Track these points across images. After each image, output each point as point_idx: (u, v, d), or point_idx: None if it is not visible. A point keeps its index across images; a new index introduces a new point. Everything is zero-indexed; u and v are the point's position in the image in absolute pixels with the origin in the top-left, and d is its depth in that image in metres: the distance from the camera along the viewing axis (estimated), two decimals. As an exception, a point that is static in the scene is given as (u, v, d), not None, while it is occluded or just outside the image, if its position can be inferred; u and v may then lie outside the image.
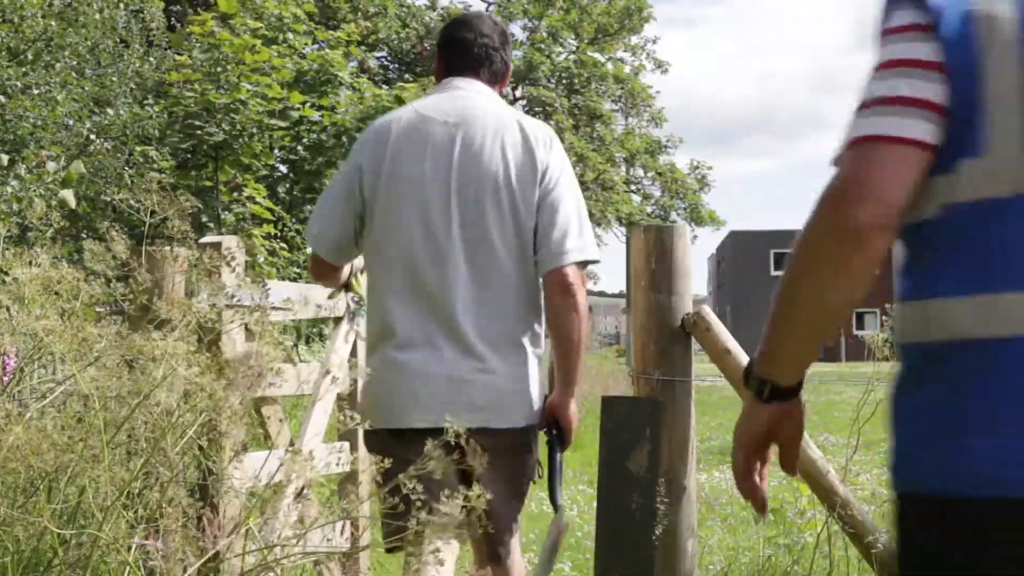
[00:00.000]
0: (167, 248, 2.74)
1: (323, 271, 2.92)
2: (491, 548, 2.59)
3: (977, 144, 1.41)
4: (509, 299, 2.64)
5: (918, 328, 1.50)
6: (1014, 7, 1.41)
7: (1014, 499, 1.31)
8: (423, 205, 2.66)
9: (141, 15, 14.02)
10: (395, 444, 2.50)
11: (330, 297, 3.49)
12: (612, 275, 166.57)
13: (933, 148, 1.42)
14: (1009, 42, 1.40)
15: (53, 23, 11.18)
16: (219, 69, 11.46)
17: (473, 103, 2.77)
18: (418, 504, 2.01)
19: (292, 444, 3.22)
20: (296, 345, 11.03)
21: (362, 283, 3.06)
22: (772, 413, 1.59)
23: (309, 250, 2.92)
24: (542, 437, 2.76)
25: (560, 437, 2.73)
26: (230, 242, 2.83)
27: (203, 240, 2.86)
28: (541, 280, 2.67)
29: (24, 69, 10.88)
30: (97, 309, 2.66)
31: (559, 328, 2.63)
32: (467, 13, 3.23)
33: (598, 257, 2.69)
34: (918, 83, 1.43)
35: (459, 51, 2.88)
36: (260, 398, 3.05)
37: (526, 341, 2.66)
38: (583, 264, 2.65)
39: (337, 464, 3.49)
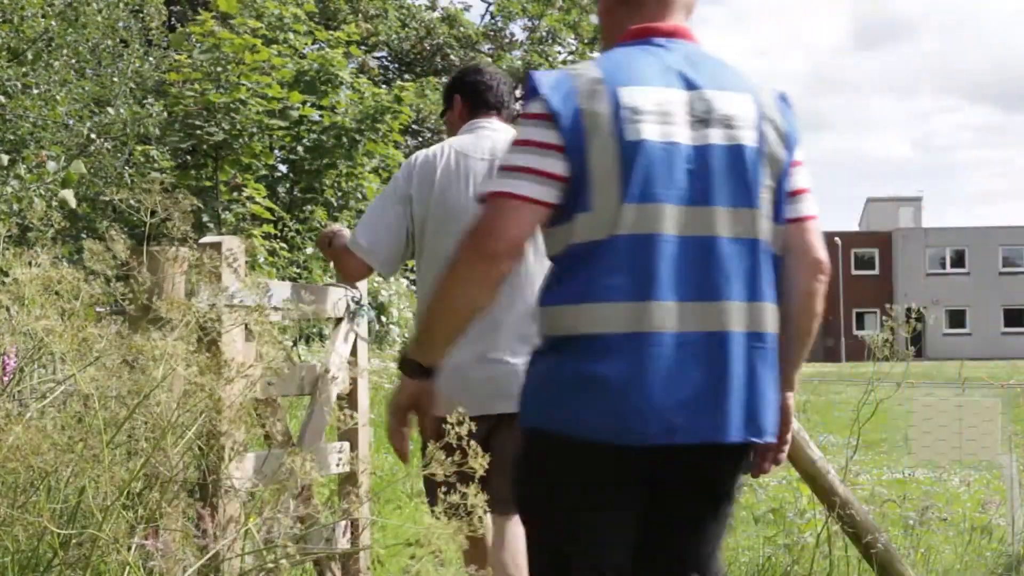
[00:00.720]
0: (168, 248, 2.74)
1: (359, 275, 3.49)
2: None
3: (587, 203, 2.05)
4: (529, 307, 2.93)
5: (556, 323, 2.12)
6: (608, 106, 2.05)
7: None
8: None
9: (141, 15, 14.02)
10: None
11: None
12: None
13: (548, 204, 2.06)
14: (606, 131, 2.04)
15: (54, 23, 11.18)
16: (219, 69, 11.45)
17: (500, 140, 3.25)
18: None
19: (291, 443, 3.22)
20: (296, 344, 11.03)
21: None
22: (417, 387, 2.21)
23: (357, 255, 3.33)
24: None
25: None
26: (231, 242, 2.83)
27: (203, 240, 2.86)
28: None
29: (24, 69, 10.88)
30: (97, 309, 2.66)
31: None
32: (479, 64, 3.90)
33: None
34: (540, 159, 2.05)
35: (481, 95, 3.46)
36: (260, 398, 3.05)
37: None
38: None
39: (337, 464, 3.49)
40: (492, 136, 3.33)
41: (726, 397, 2.06)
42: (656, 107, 2.08)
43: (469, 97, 3.48)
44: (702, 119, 2.11)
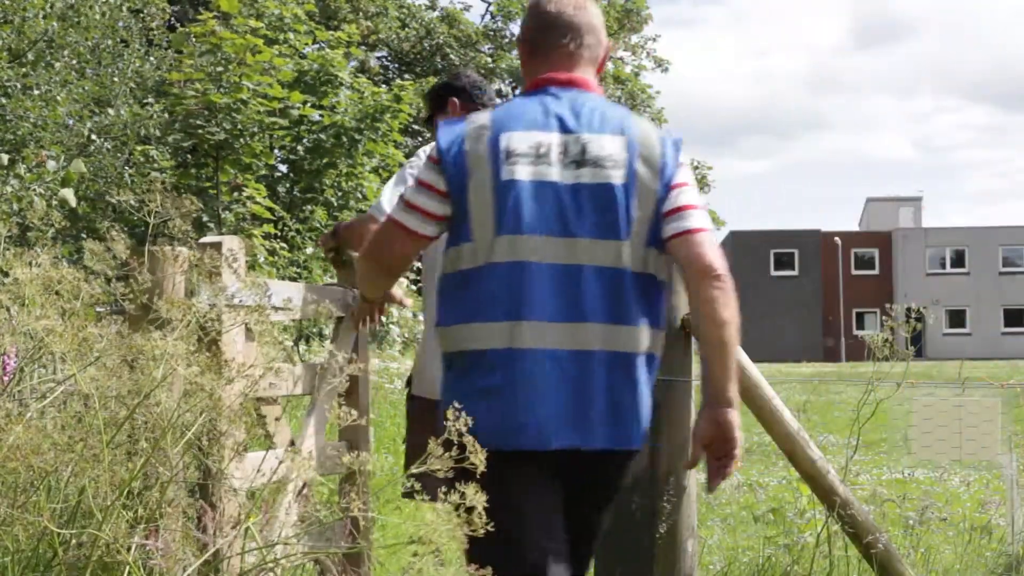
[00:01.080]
0: (168, 248, 2.74)
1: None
2: None
3: (469, 234, 2.39)
4: None
5: (447, 341, 2.46)
6: (487, 149, 2.37)
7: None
8: None
9: (143, 15, 14.01)
10: None
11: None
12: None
13: (428, 237, 2.48)
14: (484, 171, 2.37)
15: (55, 23, 11.18)
16: (220, 69, 11.45)
17: None
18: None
19: (292, 443, 3.21)
20: (296, 344, 11.03)
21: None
22: (364, 309, 3.33)
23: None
24: None
25: None
26: (231, 242, 2.83)
27: (203, 240, 2.86)
28: None
29: (25, 70, 10.88)
30: (97, 309, 2.66)
31: None
32: (467, 69, 4.41)
33: None
34: (427, 200, 2.44)
35: (479, 97, 3.73)
36: (260, 398, 3.05)
37: None
38: None
39: (337, 464, 3.48)
40: None
41: (590, 408, 2.35)
42: (531, 150, 2.38)
43: (468, 99, 3.70)
44: (575, 160, 2.39)
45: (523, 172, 2.37)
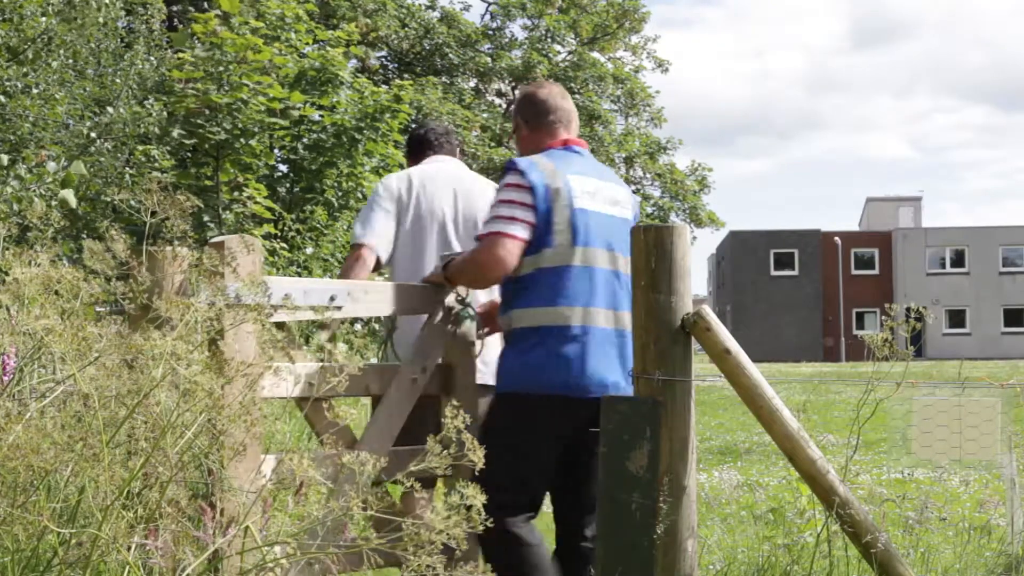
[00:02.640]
0: (168, 248, 2.74)
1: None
2: None
3: (551, 242, 3.42)
4: None
5: (526, 319, 3.45)
6: (564, 186, 3.45)
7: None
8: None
9: (145, 15, 13.99)
10: None
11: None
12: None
13: (527, 241, 3.40)
14: (563, 201, 3.44)
15: (54, 21, 11.16)
16: (221, 69, 11.44)
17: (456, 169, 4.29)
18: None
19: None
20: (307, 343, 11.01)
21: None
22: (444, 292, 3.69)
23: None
24: None
25: None
26: (244, 242, 2.84)
27: (214, 240, 2.87)
28: None
29: (24, 69, 10.87)
30: (97, 309, 2.66)
31: None
32: (430, 122, 4.85)
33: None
34: (522, 212, 3.41)
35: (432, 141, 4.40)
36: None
37: None
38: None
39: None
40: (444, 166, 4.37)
41: (623, 368, 3.43)
42: (585, 190, 3.50)
43: (428, 141, 4.45)
44: (608, 200, 3.57)
45: (587, 204, 3.48)
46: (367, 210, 4.12)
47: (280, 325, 3.08)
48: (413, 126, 4.73)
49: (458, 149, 4.49)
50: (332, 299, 3.25)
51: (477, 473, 2.48)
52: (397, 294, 3.51)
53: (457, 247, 4.01)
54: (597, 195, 3.50)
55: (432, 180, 4.14)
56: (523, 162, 3.47)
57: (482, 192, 4.15)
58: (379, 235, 4.02)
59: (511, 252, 3.36)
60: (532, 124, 3.68)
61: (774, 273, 54.66)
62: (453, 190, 4.12)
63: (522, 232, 3.37)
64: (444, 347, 3.58)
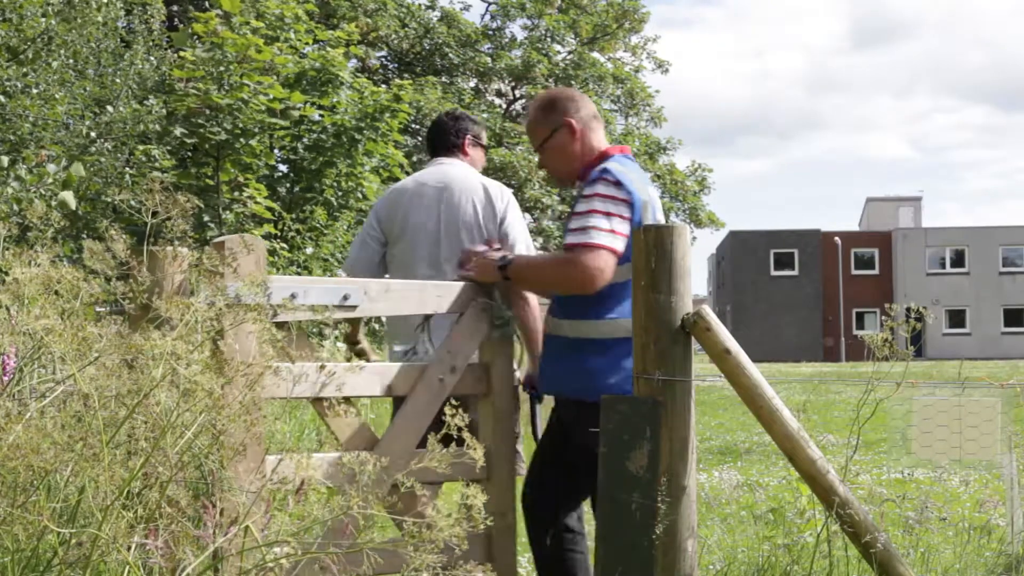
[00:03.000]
0: (168, 248, 2.74)
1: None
2: None
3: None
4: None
5: (601, 329, 3.48)
6: (651, 197, 3.55)
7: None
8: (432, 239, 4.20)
9: (146, 16, 13.99)
10: None
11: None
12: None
13: (621, 254, 3.37)
14: (648, 211, 3.50)
15: (53, 21, 11.15)
16: (222, 69, 11.44)
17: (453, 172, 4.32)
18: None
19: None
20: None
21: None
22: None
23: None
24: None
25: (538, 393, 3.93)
26: (246, 241, 2.84)
27: (217, 240, 2.87)
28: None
29: (24, 69, 10.86)
30: (97, 309, 2.66)
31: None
32: (441, 117, 4.63)
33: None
34: (621, 224, 3.40)
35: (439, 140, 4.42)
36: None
37: None
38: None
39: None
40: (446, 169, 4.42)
41: None
42: (653, 199, 3.59)
43: (430, 143, 4.55)
44: (660, 209, 3.64)
45: (660, 216, 3.60)
46: (353, 243, 4.38)
47: (290, 325, 3.07)
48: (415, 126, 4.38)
49: (469, 136, 4.49)
50: (364, 295, 3.27)
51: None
52: (429, 292, 3.48)
53: (444, 255, 4.08)
54: (659, 205, 3.63)
55: (419, 195, 4.23)
56: (617, 171, 3.45)
57: (468, 196, 4.21)
58: (358, 271, 4.16)
59: (609, 266, 3.33)
60: (590, 125, 3.65)
61: (774, 273, 54.66)
62: (437, 201, 4.20)
63: (621, 246, 3.35)
64: (480, 347, 3.55)
